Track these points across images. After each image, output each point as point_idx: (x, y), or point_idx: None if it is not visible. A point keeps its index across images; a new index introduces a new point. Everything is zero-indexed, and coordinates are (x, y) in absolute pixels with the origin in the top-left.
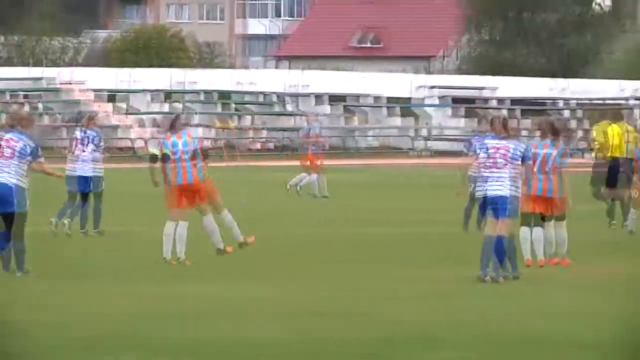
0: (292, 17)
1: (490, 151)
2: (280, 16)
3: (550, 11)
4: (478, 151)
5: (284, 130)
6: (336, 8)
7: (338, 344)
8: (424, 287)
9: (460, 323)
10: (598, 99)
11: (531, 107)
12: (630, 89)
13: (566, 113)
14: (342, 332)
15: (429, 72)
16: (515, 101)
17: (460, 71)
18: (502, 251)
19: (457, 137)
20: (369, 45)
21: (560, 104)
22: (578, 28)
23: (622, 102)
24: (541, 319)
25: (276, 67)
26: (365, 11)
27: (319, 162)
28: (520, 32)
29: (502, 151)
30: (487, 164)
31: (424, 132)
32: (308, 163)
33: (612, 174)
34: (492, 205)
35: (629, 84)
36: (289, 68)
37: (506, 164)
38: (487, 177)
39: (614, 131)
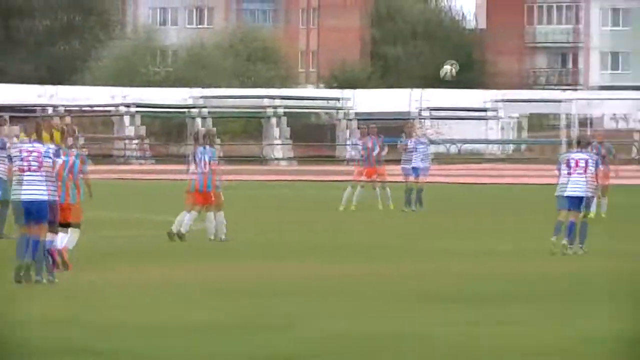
0: None
1: (24, 154)
2: None
3: (39, 18)
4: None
5: None
6: None
7: None
8: None
9: None
10: (87, 106)
11: (20, 113)
12: (119, 95)
13: (56, 120)
14: None
15: None
16: (4, 108)
17: None
18: (41, 254)
19: None
20: None
21: (50, 110)
22: (66, 35)
23: (113, 108)
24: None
25: None
26: None
27: None
28: (9, 38)
29: (35, 154)
30: (23, 167)
31: None
32: None
33: None
34: (27, 208)
35: (118, 90)
36: None
37: (40, 167)
38: (23, 180)
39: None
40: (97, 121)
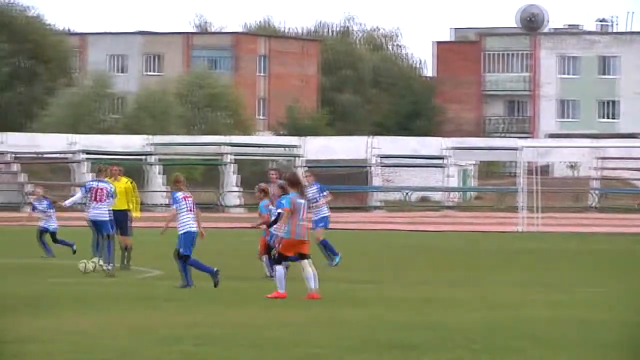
0: None
1: None
2: None
3: None
4: None
5: None
6: None
7: None
8: None
9: None
10: (44, 152)
11: None
12: (76, 142)
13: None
14: None
15: None
16: None
17: None
18: None
19: None
20: None
21: None
22: (26, 81)
23: (70, 155)
24: None
25: None
26: None
27: None
28: None
29: None
30: None
31: None
32: None
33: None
34: None
35: (78, 137)
36: None
37: None
38: None
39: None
40: (48, 168)
